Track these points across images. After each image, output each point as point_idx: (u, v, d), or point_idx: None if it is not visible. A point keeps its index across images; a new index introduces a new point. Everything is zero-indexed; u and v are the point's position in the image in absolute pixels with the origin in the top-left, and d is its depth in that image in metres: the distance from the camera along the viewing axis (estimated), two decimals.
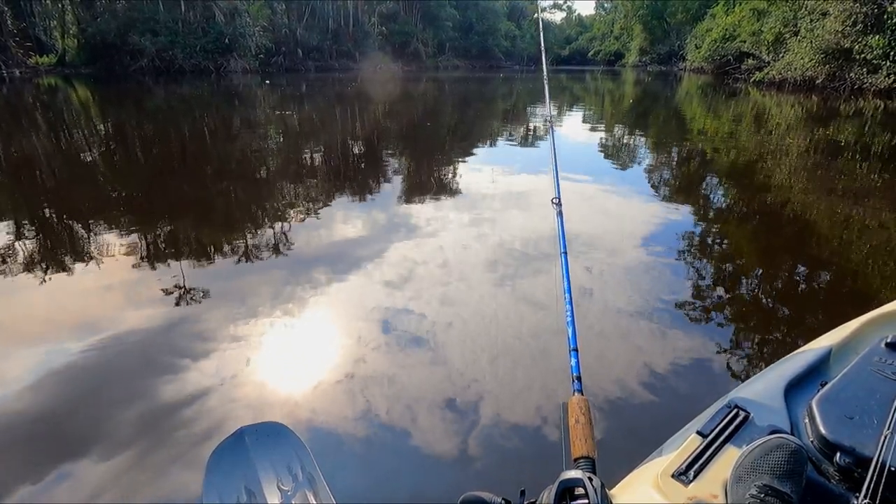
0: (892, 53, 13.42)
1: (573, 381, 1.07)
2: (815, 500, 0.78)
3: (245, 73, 26.46)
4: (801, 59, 16.77)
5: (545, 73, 1.78)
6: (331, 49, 35.15)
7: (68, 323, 2.42)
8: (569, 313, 1.25)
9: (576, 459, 0.86)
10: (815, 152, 6.82)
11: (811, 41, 16.27)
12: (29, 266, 3.05)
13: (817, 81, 16.14)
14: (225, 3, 25.84)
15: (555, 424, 1.72)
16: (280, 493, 1.16)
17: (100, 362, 2.10)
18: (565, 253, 1.49)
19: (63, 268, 3.04)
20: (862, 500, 0.72)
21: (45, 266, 3.07)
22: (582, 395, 1.02)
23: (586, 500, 0.65)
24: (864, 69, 14.48)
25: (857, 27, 14.35)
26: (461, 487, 0.74)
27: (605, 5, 62.48)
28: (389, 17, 42.27)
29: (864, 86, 14.43)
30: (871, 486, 0.73)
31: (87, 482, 1.51)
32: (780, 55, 18.99)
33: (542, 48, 1.85)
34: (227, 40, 25.74)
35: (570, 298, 1.30)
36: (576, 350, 1.14)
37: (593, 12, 71.66)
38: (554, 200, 1.67)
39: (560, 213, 1.62)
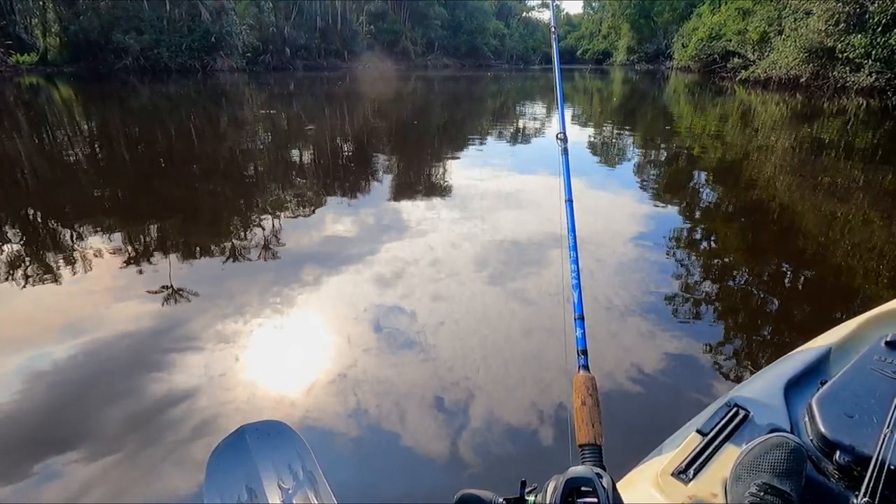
0: (873, 52, 13.65)
1: (578, 354, 0.95)
2: (815, 498, 0.78)
3: (232, 72, 26.19)
4: (786, 57, 16.99)
5: (556, 65, 1.65)
6: (319, 48, 34.91)
7: (58, 325, 2.37)
8: (574, 274, 1.06)
9: (581, 446, 0.80)
10: (800, 150, 6.91)
11: (795, 40, 16.49)
12: (16, 268, 2.99)
13: (802, 80, 16.36)
14: (211, 2, 25.54)
15: (550, 419, 1.72)
16: (281, 492, 1.15)
17: (91, 364, 2.06)
18: (570, 200, 1.22)
19: (50, 269, 2.98)
20: (861, 499, 0.72)
21: (32, 268, 3.01)
22: (588, 371, 0.92)
23: (595, 499, 0.61)
24: (847, 68, 14.70)
25: (840, 26, 14.57)
26: (461, 484, 0.72)
27: (593, 4, 62.92)
28: (378, 16, 42.11)
29: (848, 84, 14.65)
30: (871, 484, 0.73)
31: (79, 483, 1.49)
32: (766, 54, 19.24)
33: (555, 49, 1.71)
34: (213, 39, 25.45)
35: (576, 257, 1.09)
36: (581, 318, 0.99)
37: (581, 11, 72.04)
38: (559, 136, 1.41)
39: (565, 151, 1.36)
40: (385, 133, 9.03)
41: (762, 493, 0.72)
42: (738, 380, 1.93)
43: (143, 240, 3.52)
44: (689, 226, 4.00)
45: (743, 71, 20.58)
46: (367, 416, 1.76)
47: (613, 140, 8.54)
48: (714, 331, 2.37)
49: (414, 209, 4.25)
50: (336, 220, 3.97)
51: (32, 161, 6.01)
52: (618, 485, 0.91)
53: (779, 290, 2.88)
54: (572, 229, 1.16)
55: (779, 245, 3.54)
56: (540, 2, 69.52)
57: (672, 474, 0.84)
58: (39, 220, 4.00)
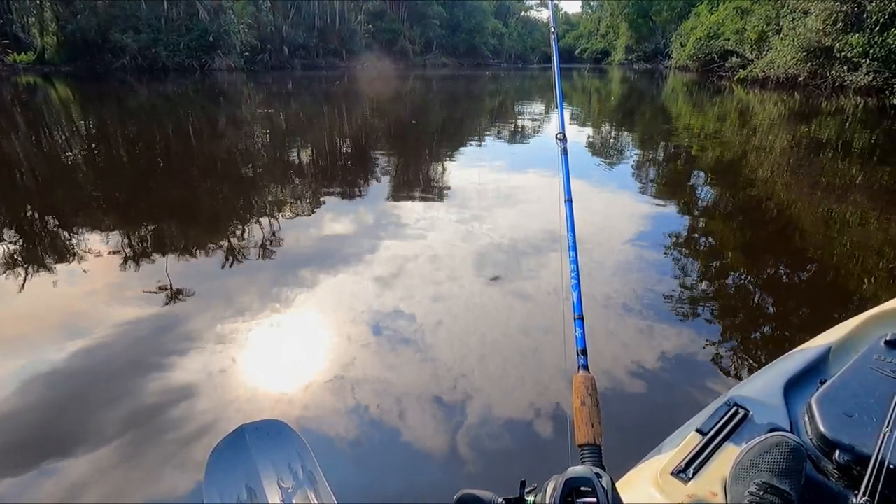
0: (871, 52, 13.66)
1: (578, 355, 0.95)
2: (815, 497, 0.78)
3: (230, 72, 26.12)
4: (784, 57, 17.00)
5: (556, 65, 1.67)
6: (317, 47, 34.85)
7: (57, 324, 2.36)
8: (573, 274, 1.07)
9: (580, 446, 0.80)
10: (798, 149, 6.91)
11: (793, 39, 16.49)
12: (15, 268, 2.98)
13: (800, 79, 16.37)
14: (209, 1, 25.47)
15: (549, 419, 1.72)
16: (281, 491, 1.15)
17: (91, 363, 2.05)
18: (570, 200, 1.22)
19: (49, 269, 2.97)
20: (861, 498, 0.72)
21: (31, 268, 2.99)
22: (588, 371, 0.91)
23: (594, 499, 0.61)
24: (845, 67, 14.71)
25: (838, 26, 14.58)
26: (460, 484, 0.72)
27: (592, 3, 62.80)
28: (376, 15, 42.07)
29: (845, 83, 14.66)
30: (870, 483, 0.73)
31: (79, 482, 1.48)
32: (764, 53, 19.24)
33: (554, 48, 1.72)
34: (211, 38, 25.38)
35: (576, 257, 1.10)
36: (581, 318, 0.99)
37: (580, 10, 71.96)
38: (558, 136, 1.40)
39: (565, 151, 1.35)
40: (383, 132, 9.02)
41: (762, 493, 0.72)
42: (738, 379, 1.94)
43: (141, 239, 3.51)
44: (688, 225, 4.00)
45: (741, 70, 20.59)
46: (367, 415, 1.75)
47: (612, 140, 8.55)
48: (713, 330, 2.37)
49: (413, 209, 4.24)
50: (335, 219, 3.97)
51: (30, 161, 5.99)
52: (617, 484, 0.91)
53: (778, 289, 2.88)
54: (572, 229, 1.16)
55: (778, 244, 3.55)
56: (538, 1, 69.48)
57: (672, 474, 0.84)
58: (37, 219, 3.99)
